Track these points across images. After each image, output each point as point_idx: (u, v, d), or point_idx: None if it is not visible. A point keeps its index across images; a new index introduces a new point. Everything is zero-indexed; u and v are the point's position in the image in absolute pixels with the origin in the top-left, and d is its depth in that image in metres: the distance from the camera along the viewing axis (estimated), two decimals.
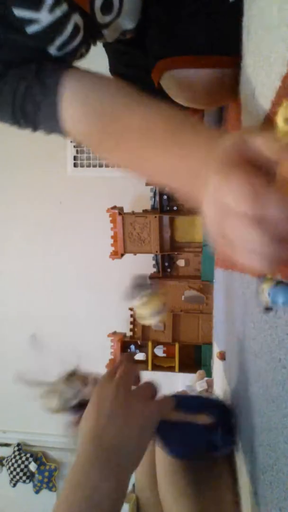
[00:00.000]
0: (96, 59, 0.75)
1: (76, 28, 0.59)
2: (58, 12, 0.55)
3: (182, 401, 0.64)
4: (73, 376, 0.71)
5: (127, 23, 0.72)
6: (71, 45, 0.60)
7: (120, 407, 0.49)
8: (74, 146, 2.67)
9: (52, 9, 0.54)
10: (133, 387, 0.54)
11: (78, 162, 2.69)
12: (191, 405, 0.67)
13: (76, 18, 0.59)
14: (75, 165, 2.69)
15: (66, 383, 0.70)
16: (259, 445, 0.48)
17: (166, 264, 2.30)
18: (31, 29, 0.55)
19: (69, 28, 0.58)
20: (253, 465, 0.52)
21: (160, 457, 0.68)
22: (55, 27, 0.56)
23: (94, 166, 2.68)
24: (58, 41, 0.58)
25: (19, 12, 0.53)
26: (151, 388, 0.55)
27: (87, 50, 0.69)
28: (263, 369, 0.46)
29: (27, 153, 2.70)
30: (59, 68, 0.57)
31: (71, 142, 2.66)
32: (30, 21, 0.54)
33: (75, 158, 2.68)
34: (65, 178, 2.70)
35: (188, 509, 0.61)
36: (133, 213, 2.15)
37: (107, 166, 2.66)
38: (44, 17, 0.54)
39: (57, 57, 0.60)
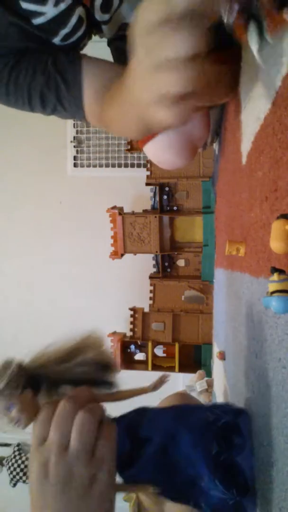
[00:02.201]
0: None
1: (79, 21, 0.62)
2: (63, 6, 0.58)
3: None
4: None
5: (127, 17, 0.72)
6: (74, 36, 0.62)
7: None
8: (74, 146, 2.67)
9: (57, 3, 0.57)
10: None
11: (78, 162, 2.69)
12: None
13: (80, 11, 0.61)
14: (75, 165, 2.69)
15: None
16: (259, 445, 0.48)
17: (166, 264, 2.30)
18: (37, 21, 0.58)
19: (73, 21, 0.61)
20: (253, 465, 0.52)
21: None
22: (60, 20, 0.59)
23: (94, 166, 2.68)
24: (62, 32, 0.61)
25: (26, 5, 0.56)
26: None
27: (89, 39, 0.71)
28: (263, 369, 0.46)
29: (27, 153, 2.70)
30: (74, 61, 0.62)
31: (71, 142, 2.66)
32: (36, 14, 0.57)
33: (75, 158, 2.68)
34: (65, 178, 2.70)
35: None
36: (133, 213, 2.15)
37: (107, 166, 2.66)
38: (49, 10, 0.57)
39: (62, 46, 0.63)
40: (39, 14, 0.57)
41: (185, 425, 0.48)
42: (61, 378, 0.47)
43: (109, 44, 0.87)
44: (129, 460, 0.46)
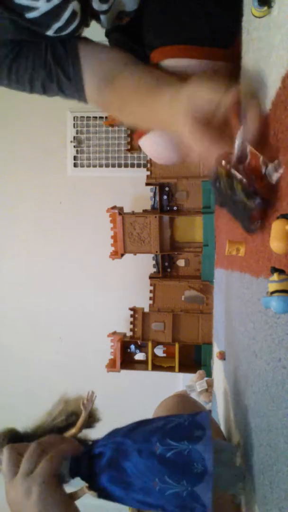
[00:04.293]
0: None
1: (73, 14, 0.63)
2: (56, 1, 0.59)
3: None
4: None
5: (127, 5, 0.72)
6: (67, 29, 0.64)
7: None
8: (74, 146, 2.67)
9: None
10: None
11: (78, 162, 2.69)
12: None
13: (74, 5, 0.62)
14: (75, 165, 2.69)
15: None
16: (259, 445, 0.48)
17: (166, 264, 2.30)
18: (29, 15, 0.59)
19: (66, 15, 0.62)
20: (253, 465, 0.52)
21: None
22: (52, 14, 0.60)
23: (94, 166, 2.68)
24: (55, 26, 0.62)
25: (19, 0, 0.57)
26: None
27: (86, 27, 0.73)
28: (263, 369, 0.46)
29: (27, 153, 2.70)
30: (72, 52, 0.66)
31: (71, 142, 2.66)
32: (29, 8, 0.58)
33: (75, 158, 2.68)
34: (65, 178, 2.70)
35: None
36: (133, 213, 2.15)
37: (107, 166, 2.66)
38: (42, 5, 0.58)
39: (56, 38, 0.65)
40: (32, 8, 0.58)
41: (132, 437, 0.53)
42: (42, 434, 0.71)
43: (107, 35, 0.87)
44: (91, 477, 0.52)
